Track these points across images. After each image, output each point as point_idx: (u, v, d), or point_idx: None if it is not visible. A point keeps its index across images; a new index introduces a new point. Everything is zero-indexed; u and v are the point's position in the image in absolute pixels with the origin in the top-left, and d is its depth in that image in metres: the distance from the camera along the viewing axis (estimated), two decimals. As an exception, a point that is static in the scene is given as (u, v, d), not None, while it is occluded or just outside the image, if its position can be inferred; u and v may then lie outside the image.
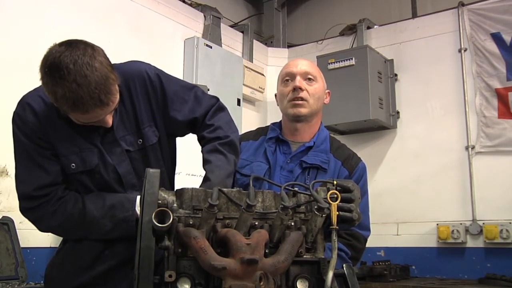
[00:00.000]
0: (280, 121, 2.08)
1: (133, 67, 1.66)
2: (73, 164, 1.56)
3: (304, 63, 2.00)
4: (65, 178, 1.60)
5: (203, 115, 1.72)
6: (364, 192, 1.92)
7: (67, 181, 1.61)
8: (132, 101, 1.63)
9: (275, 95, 2.09)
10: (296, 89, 1.92)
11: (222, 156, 1.64)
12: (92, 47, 1.42)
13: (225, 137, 1.69)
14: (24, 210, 1.58)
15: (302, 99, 1.92)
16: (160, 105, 1.67)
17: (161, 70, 1.72)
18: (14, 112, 1.59)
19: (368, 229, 1.92)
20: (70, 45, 1.40)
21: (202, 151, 1.71)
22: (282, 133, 2.02)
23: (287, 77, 1.98)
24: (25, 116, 1.55)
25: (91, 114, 1.41)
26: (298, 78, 1.94)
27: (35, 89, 1.61)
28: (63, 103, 1.37)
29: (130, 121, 1.63)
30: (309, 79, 1.96)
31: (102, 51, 1.44)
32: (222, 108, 1.78)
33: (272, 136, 2.01)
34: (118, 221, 1.55)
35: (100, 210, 1.55)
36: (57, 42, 1.43)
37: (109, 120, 1.51)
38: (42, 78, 1.40)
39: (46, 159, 1.56)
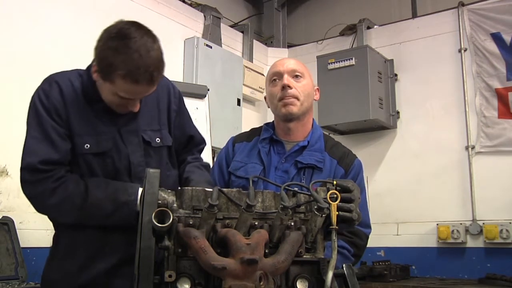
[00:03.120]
0: (273, 121, 2.07)
1: (162, 79, 1.81)
2: (87, 145, 1.59)
3: (291, 62, 1.99)
4: (74, 160, 1.60)
5: (198, 141, 1.92)
6: (362, 189, 1.89)
7: (75, 164, 1.61)
8: (158, 103, 1.76)
9: (265, 97, 2.08)
10: (285, 87, 1.91)
11: (202, 171, 1.81)
12: (154, 34, 1.54)
13: (205, 163, 1.90)
14: (24, 183, 1.56)
15: (292, 97, 1.92)
16: (177, 116, 1.83)
17: None
18: (39, 87, 1.63)
19: (369, 226, 1.92)
20: (138, 24, 1.52)
21: (182, 169, 1.83)
22: (276, 133, 2.01)
23: (274, 77, 1.97)
24: (51, 91, 1.60)
25: (138, 87, 1.49)
26: (285, 76, 1.93)
27: (64, 72, 1.68)
28: (118, 68, 1.45)
29: (153, 119, 1.73)
30: (297, 76, 1.95)
31: (159, 41, 1.56)
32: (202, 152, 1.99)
33: (265, 137, 2.00)
34: (120, 204, 1.54)
35: (102, 192, 1.56)
36: (123, 20, 1.54)
37: (138, 105, 1.63)
38: (105, 42, 1.47)
39: (59, 136, 1.57)
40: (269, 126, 2.06)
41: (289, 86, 1.91)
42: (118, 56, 1.44)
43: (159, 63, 1.50)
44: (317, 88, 2.05)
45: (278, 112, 1.96)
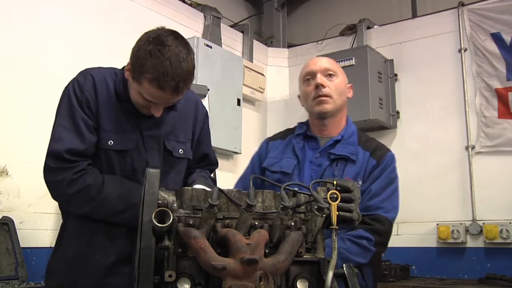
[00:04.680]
0: (307, 120, 2.09)
1: (193, 94, 1.92)
2: (111, 141, 1.65)
3: (323, 60, 2.02)
4: (95, 154, 1.65)
5: (212, 160, 1.96)
6: (393, 179, 1.95)
7: (95, 158, 1.65)
8: (186, 116, 1.83)
9: (298, 96, 2.10)
10: (318, 86, 1.94)
11: (208, 180, 1.83)
12: (190, 47, 1.60)
13: (212, 177, 1.94)
14: (47, 169, 1.61)
15: (325, 95, 1.94)
16: (199, 134, 1.89)
17: None
18: (74, 78, 1.69)
19: (394, 212, 1.91)
20: (176, 33, 1.59)
21: (189, 176, 1.85)
22: (310, 130, 2.04)
23: (308, 76, 2.00)
24: (85, 84, 1.66)
25: (162, 94, 1.54)
26: (318, 75, 1.96)
27: (100, 68, 1.74)
28: (147, 71, 1.51)
29: (180, 131, 1.80)
30: (330, 75, 1.97)
31: (194, 54, 1.63)
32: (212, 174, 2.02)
33: (300, 133, 2.04)
34: (130, 205, 1.58)
35: (116, 190, 1.60)
36: (164, 27, 1.61)
37: (161, 111, 1.65)
38: (142, 44, 1.54)
39: (87, 129, 1.62)
40: (303, 123, 2.09)
41: (322, 85, 1.94)
42: (150, 60, 1.50)
43: (187, 75, 1.55)
44: (351, 86, 2.07)
45: (313, 110, 1.99)
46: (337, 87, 1.97)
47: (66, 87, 1.69)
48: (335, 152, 1.92)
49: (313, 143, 2.00)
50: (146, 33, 1.58)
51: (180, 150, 1.77)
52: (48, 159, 1.60)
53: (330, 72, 1.97)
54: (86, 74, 1.68)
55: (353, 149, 1.93)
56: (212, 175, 1.98)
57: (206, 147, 1.93)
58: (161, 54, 1.50)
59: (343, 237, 1.74)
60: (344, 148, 1.93)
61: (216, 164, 1.99)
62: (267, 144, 2.11)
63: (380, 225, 1.84)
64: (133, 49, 1.58)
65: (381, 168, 1.91)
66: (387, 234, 1.88)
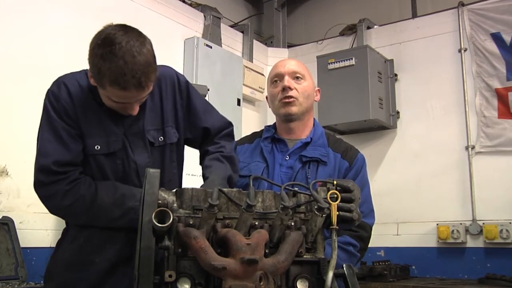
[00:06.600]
0: (274, 123, 2.09)
1: (166, 69, 1.79)
2: (98, 146, 1.62)
3: (292, 63, 2.02)
4: (84, 160, 1.63)
5: (217, 129, 1.85)
6: (366, 182, 1.96)
7: (85, 164, 1.63)
8: (161, 98, 1.74)
9: (266, 97, 2.11)
10: (285, 88, 1.95)
11: (222, 164, 1.75)
12: (144, 37, 1.52)
13: (228, 153, 1.81)
14: (39, 184, 1.58)
15: (292, 97, 1.94)
16: (185, 110, 1.79)
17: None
18: (49, 89, 1.65)
19: (373, 217, 1.94)
20: (125, 28, 1.51)
21: (203, 162, 1.79)
22: (277, 132, 2.04)
23: (275, 78, 2.01)
24: (59, 93, 1.62)
25: (127, 93, 1.48)
26: (286, 77, 1.96)
27: (72, 73, 1.69)
28: (105, 75, 1.45)
29: (156, 117, 1.72)
30: (298, 78, 1.98)
31: (151, 43, 1.54)
32: (232, 136, 1.91)
33: (267, 136, 2.03)
34: (127, 210, 1.57)
35: (111, 197, 1.58)
36: (113, 23, 1.53)
37: (136, 108, 1.60)
38: (93, 49, 1.48)
39: (70, 137, 1.59)
40: (270, 127, 2.09)
41: (289, 88, 1.94)
42: (104, 64, 1.44)
43: (147, 68, 1.47)
44: (318, 89, 2.09)
45: (278, 112, 2.00)
46: (304, 90, 1.97)
47: (44, 99, 1.65)
48: (306, 155, 1.92)
49: (282, 145, 2.00)
50: (94, 36, 1.51)
51: (160, 137, 1.71)
52: (38, 174, 1.57)
53: (298, 75, 1.98)
54: (59, 83, 1.64)
55: (324, 151, 1.94)
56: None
57: (201, 121, 1.82)
58: (113, 55, 1.43)
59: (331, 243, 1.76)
60: (315, 150, 1.94)
61: (224, 129, 1.87)
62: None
63: (364, 231, 1.87)
64: (88, 55, 1.51)
65: (354, 171, 1.93)
66: (369, 240, 1.91)
